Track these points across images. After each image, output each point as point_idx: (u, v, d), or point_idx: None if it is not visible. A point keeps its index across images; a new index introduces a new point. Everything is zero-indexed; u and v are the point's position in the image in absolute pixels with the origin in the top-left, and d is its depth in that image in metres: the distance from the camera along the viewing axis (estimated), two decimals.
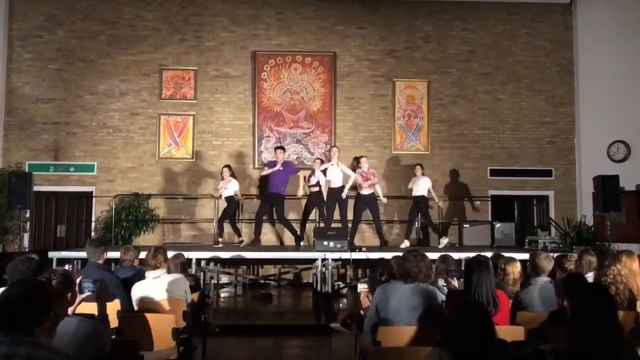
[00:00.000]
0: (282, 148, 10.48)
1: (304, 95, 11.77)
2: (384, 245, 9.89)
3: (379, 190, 10.06)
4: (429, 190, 10.13)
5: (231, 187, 10.04)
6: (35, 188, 10.20)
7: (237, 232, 10.18)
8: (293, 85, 11.77)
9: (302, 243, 10.02)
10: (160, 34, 11.78)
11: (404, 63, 11.97)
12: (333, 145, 10.76)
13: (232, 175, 10.22)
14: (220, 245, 9.79)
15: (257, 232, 9.98)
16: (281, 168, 9.91)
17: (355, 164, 10.63)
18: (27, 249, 10.13)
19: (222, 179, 10.18)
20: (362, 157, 10.24)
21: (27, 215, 10.58)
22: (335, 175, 9.88)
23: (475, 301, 3.50)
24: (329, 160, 10.15)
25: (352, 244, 9.22)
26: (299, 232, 10.10)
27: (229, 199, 10.02)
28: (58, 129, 11.50)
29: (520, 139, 11.95)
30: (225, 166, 10.33)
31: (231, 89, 11.75)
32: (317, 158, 10.60)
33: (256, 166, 11.47)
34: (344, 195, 9.78)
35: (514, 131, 11.96)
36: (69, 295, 3.14)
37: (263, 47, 11.83)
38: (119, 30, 11.74)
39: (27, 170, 10.83)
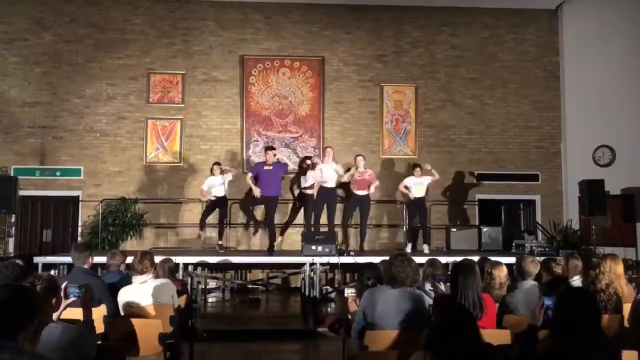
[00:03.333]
0: (272, 148, 10.01)
1: (292, 100, 11.77)
2: (361, 250, 9.72)
3: (373, 188, 9.81)
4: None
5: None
6: (21, 192, 10.11)
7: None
8: (281, 90, 11.77)
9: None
10: (147, 38, 11.74)
11: (391, 68, 12.02)
12: (327, 146, 10.62)
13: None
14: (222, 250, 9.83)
15: (273, 238, 9.71)
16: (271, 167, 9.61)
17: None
18: (12, 254, 10.01)
19: (213, 174, 9.91)
20: (358, 155, 9.96)
21: (12, 220, 10.47)
22: (329, 174, 9.73)
23: (458, 304, 3.51)
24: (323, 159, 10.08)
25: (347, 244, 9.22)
26: (278, 236, 10.00)
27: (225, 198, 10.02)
28: (44, 133, 11.40)
29: (507, 144, 12.04)
30: (217, 163, 10.12)
31: (219, 93, 11.73)
32: (307, 157, 10.46)
33: (244, 170, 11.43)
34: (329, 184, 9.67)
35: (501, 136, 12.04)
36: (54, 300, 3.10)
37: (251, 52, 11.82)
38: (107, 34, 11.68)
39: (12, 175, 10.72)
